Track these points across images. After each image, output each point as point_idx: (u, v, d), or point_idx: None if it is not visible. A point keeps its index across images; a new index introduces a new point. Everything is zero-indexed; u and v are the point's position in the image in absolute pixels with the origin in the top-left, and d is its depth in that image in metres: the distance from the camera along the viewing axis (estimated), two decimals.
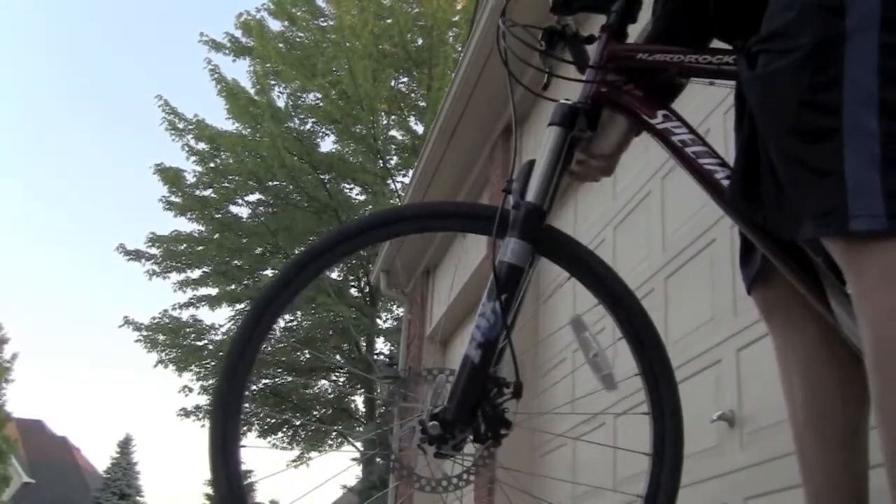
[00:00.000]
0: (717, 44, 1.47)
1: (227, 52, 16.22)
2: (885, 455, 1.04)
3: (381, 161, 15.58)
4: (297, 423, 15.79)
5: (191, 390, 15.32)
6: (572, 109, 1.37)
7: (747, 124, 1.22)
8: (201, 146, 15.59)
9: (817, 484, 1.34)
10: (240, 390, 1.28)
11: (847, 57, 1.07)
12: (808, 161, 1.08)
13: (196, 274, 15.65)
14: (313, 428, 15.89)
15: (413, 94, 16.11)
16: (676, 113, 1.37)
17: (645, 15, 1.52)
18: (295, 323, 15.42)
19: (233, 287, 15.43)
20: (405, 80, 16.02)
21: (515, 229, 1.31)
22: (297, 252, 15.21)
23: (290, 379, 15.21)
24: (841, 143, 1.05)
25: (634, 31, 1.50)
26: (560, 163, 1.35)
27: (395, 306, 15.15)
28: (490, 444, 1.28)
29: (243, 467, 1.27)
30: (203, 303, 15.53)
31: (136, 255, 15.58)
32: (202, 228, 15.77)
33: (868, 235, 1.02)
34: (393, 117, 16.06)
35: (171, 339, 15.36)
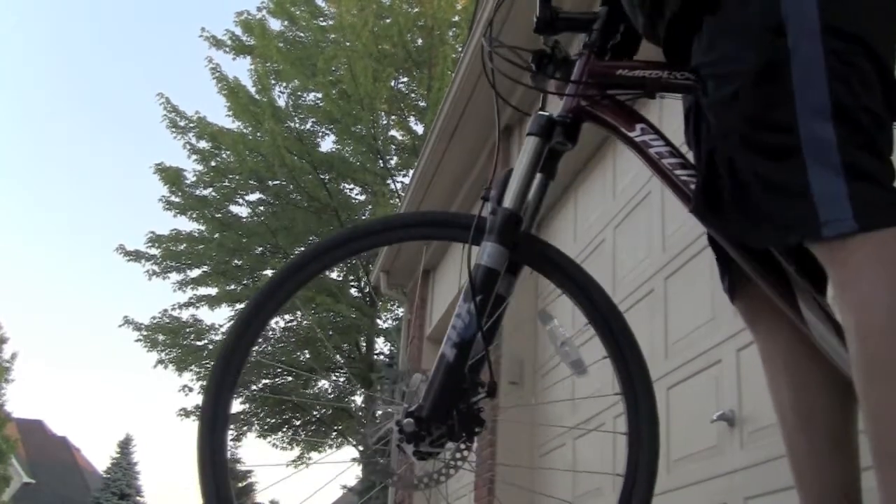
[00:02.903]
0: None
1: (227, 50, 16.24)
2: (872, 451, 1.05)
3: (381, 161, 15.59)
4: (298, 423, 15.80)
5: (191, 390, 15.36)
6: (549, 120, 1.42)
7: (706, 140, 1.27)
8: (202, 144, 15.62)
9: (809, 484, 1.35)
10: (227, 401, 1.31)
11: (794, 72, 1.12)
12: (773, 177, 1.14)
13: (196, 273, 15.69)
14: (313, 428, 15.90)
15: (413, 94, 16.11)
16: (654, 126, 1.41)
17: None
18: (295, 323, 15.43)
19: (232, 287, 15.45)
20: (405, 80, 16.03)
21: (492, 234, 1.35)
22: (296, 252, 15.23)
23: (290, 379, 15.21)
24: (801, 158, 1.10)
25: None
26: (537, 171, 1.40)
27: (395, 306, 15.17)
28: (464, 441, 1.30)
29: (231, 471, 1.30)
30: (203, 302, 15.55)
31: (136, 256, 15.60)
32: (202, 228, 15.79)
33: (841, 237, 1.08)
34: (393, 117, 16.08)
35: (171, 339, 15.38)
